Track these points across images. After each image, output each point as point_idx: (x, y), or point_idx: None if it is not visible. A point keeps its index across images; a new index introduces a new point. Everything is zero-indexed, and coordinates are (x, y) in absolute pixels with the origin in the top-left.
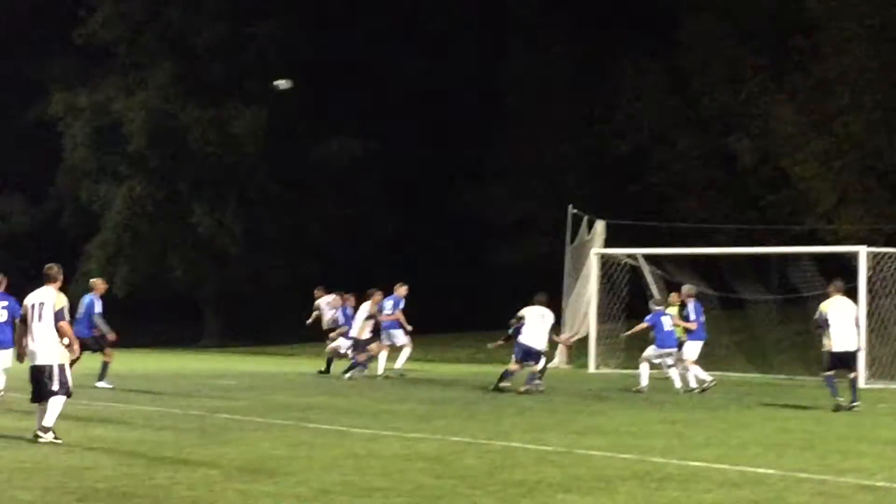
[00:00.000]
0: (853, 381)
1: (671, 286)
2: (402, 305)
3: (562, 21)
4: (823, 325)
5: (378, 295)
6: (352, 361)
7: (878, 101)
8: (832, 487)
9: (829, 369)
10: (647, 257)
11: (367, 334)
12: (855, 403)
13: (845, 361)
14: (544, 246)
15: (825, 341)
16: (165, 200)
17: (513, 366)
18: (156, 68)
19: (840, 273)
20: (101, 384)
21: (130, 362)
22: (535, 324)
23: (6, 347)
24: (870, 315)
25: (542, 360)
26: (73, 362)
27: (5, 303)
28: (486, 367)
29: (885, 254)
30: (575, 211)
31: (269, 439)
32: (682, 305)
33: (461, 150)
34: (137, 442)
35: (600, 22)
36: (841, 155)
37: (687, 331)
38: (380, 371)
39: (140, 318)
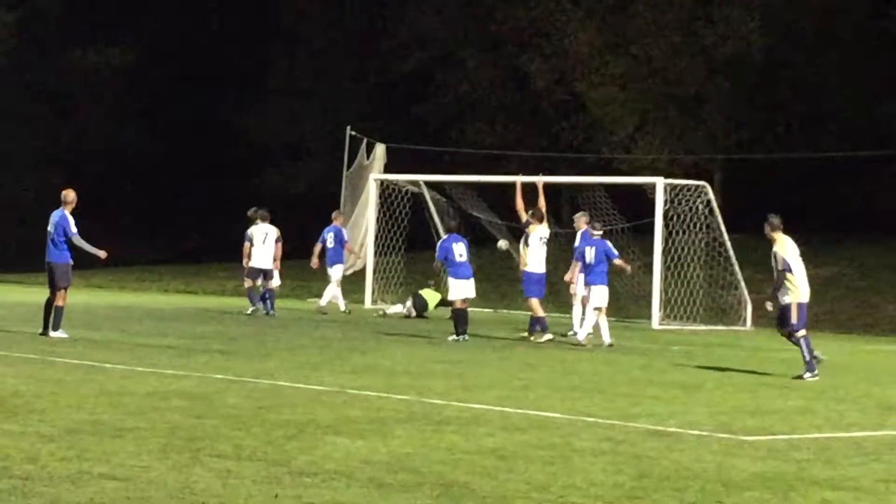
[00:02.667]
0: None
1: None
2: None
3: None
4: (787, 270)
5: None
6: None
7: (680, 21)
8: (621, 432)
9: (803, 326)
10: (431, 185)
11: None
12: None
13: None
14: (320, 170)
15: (790, 290)
16: None
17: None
18: None
19: (635, 206)
20: None
21: None
22: (260, 243)
23: None
24: (665, 252)
25: (275, 279)
26: None
27: None
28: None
29: (684, 186)
30: (353, 133)
31: (12, 374)
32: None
33: (231, 64)
34: None
35: None
36: (640, 79)
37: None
38: None
39: None
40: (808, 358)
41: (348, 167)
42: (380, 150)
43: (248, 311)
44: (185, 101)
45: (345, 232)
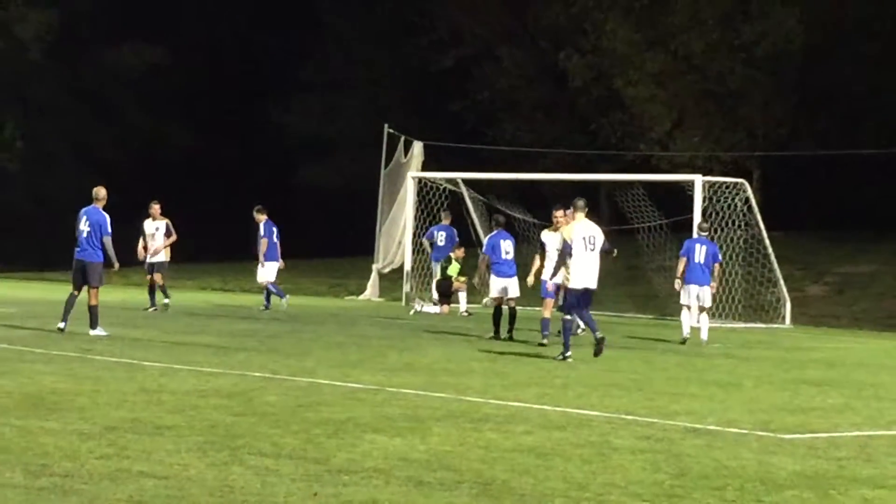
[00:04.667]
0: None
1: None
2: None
3: None
4: (567, 254)
5: None
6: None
7: (720, 19)
8: (659, 430)
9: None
10: (469, 182)
11: None
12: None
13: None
14: (358, 166)
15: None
16: None
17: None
18: None
19: (673, 203)
20: None
21: None
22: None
23: None
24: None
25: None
26: None
27: None
28: (291, 298)
29: (722, 183)
30: (391, 130)
31: (52, 372)
32: None
33: (270, 60)
34: None
35: None
36: (678, 76)
37: None
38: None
39: None
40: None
41: (386, 164)
42: (417, 147)
43: (284, 306)
44: (221, 96)
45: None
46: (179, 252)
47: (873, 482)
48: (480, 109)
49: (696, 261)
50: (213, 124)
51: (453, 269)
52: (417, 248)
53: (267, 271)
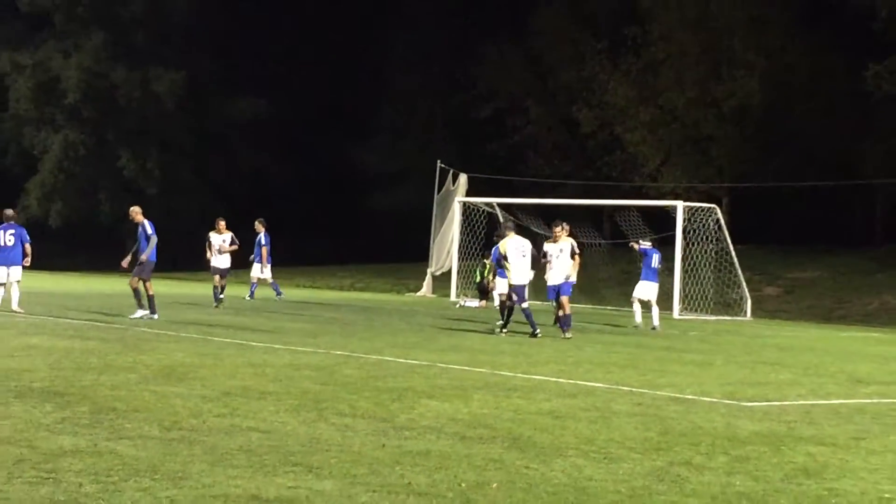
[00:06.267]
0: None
1: (522, 231)
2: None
3: (436, 4)
4: (504, 260)
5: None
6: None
7: (697, 80)
8: (649, 399)
9: (522, 300)
10: (503, 206)
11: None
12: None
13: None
14: (417, 193)
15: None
16: (96, 147)
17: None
18: (89, 35)
19: (660, 223)
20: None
21: (63, 283)
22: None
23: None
24: (684, 259)
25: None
26: None
27: (13, 230)
28: (364, 294)
29: (698, 208)
30: (442, 165)
31: (181, 350)
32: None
33: (349, 109)
34: (67, 350)
35: (466, 7)
36: (664, 125)
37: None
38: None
39: (73, 246)
40: (531, 323)
41: (438, 191)
42: (462, 178)
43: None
44: (312, 138)
45: None
46: (280, 258)
47: (815, 440)
48: (511, 149)
49: (653, 266)
50: (304, 159)
51: (489, 272)
52: (462, 256)
53: (268, 270)
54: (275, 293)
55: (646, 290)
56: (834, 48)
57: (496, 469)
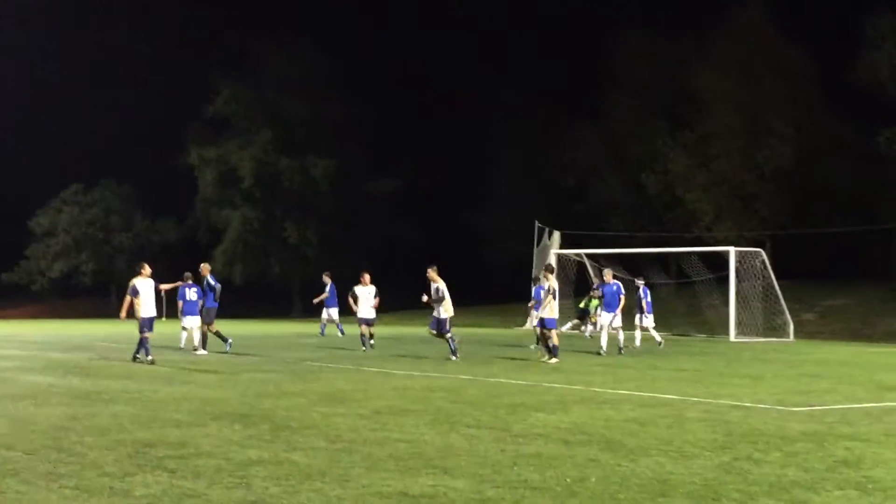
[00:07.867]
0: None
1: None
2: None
3: (529, 93)
4: (443, 297)
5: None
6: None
7: (740, 149)
8: (714, 407)
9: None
10: (589, 255)
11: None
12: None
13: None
14: (520, 247)
15: (445, 309)
16: (266, 221)
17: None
18: (259, 132)
19: (716, 265)
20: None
21: (245, 329)
22: (363, 297)
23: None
24: (737, 293)
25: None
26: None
27: (195, 288)
28: (480, 330)
29: (746, 252)
30: (539, 224)
31: (340, 378)
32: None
33: (468, 182)
34: (249, 381)
35: (554, 94)
36: (716, 185)
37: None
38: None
39: (251, 300)
40: (453, 348)
41: (537, 245)
42: (556, 234)
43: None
44: (435, 206)
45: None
46: (410, 302)
47: (852, 437)
48: (594, 209)
49: (649, 300)
50: (430, 224)
51: (592, 305)
52: (559, 296)
53: (335, 313)
54: (338, 331)
55: (651, 319)
56: (852, 118)
57: (594, 467)
